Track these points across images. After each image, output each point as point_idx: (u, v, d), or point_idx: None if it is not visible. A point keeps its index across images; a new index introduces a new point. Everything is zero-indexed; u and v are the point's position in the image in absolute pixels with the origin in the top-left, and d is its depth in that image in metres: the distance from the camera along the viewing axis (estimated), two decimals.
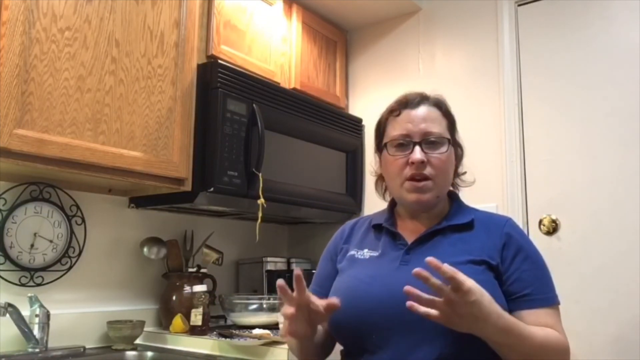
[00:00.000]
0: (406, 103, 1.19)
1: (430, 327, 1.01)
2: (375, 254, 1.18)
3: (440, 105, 1.21)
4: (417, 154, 1.13)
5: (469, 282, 0.92)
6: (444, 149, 1.15)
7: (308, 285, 1.29)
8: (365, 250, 1.20)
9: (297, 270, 0.98)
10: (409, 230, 1.19)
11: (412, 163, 1.13)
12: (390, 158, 1.18)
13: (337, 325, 1.14)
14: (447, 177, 1.19)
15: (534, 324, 1.05)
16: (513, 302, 1.08)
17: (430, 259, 0.92)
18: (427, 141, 1.15)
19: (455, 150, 1.23)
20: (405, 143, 1.16)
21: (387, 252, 1.17)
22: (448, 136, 1.18)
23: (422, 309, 0.92)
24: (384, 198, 1.31)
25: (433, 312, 0.93)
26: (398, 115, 1.19)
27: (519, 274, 1.10)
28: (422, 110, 1.18)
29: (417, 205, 1.16)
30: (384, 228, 1.21)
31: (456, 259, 1.09)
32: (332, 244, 1.31)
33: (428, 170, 1.13)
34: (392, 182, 1.20)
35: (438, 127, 1.17)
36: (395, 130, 1.18)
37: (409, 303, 0.92)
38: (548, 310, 1.08)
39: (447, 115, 1.21)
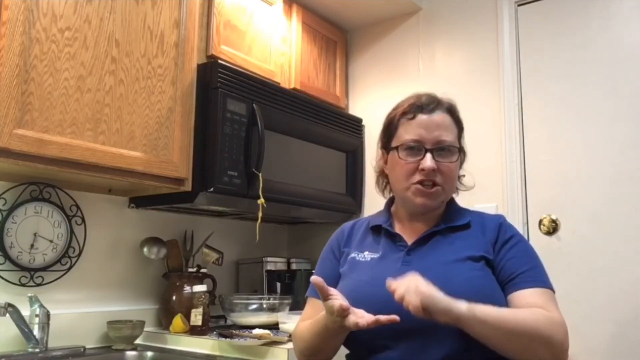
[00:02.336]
0: (421, 107, 1.19)
1: (437, 327, 1.01)
2: (375, 255, 1.19)
3: (453, 112, 1.21)
4: (429, 161, 1.14)
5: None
6: (454, 157, 1.17)
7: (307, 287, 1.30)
8: (366, 253, 1.21)
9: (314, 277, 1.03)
10: (408, 231, 1.20)
11: (423, 170, 1.14)
12: (401, 161, 1.18)
13: None
14: (454, 184, 1.21)
15: (524, 304, 1.06)
16: (504, 289, 1.10)
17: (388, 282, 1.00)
18: (439, 149, 1.15)
19: (460, 155, 1.23)
20: (417, 149, 1.16)
21: (388, 254, 1.17)
22: (458, 145, 1.19)
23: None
24: (383, 194, 1.32)
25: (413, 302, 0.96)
26: (412, 118, 1.18)
27: (505, 261, 1.12)
28: (437, 116, 1.18)
29: (423, 208, 1.18)
30: (383, 229, 1.22)
31: (455, 256, 1.12)
32: (333, 243, 1.31)
33: (438, 178, 1.15)
34: (399, 185, 1.20)
35: (450, 135, 1.18)
36: (408, 134, 1.18)
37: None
38: (538, 290, 1.08)
39: (458, 122, 1.22)
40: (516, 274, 1.09)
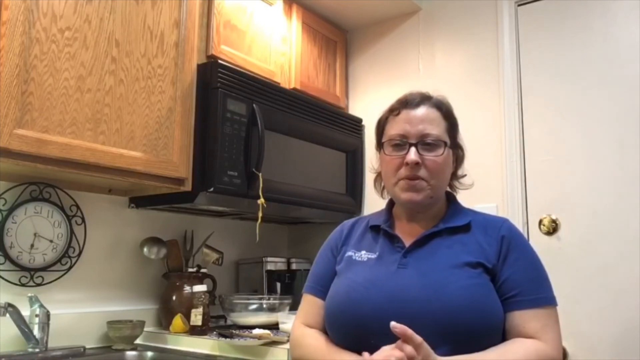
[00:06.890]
0: (406, 102, 1.19)
1: (430, 332, 1.01)
2: (372, 255, 1.18)
3: (441, 107, 1.19)
4: (412, 155, 1.13)
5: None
6: (439, 151, 1.15)
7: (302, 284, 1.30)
8: (363, 252, 1.19)
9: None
10: (407, 233, 1.19)
11: (407, 164, 1.13)
12: (387, 157, 1.18)
13: (336, 329, 1.14)
14: (442, 179, 1.18)
15: (521, 327, 1.05)
16: (504, 303, 1.08)
17: (393, 324, 0.96)
18: (424, 143, 1.14)
19: (456, 153, 1.22)
20: (402, 143, 1.15)
21: (385, 255, 1.16)
22: (445, 139, 1.17)
23: None
24: (382, 196, 1.31)
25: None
26: (397, 114, 1.18)
27: (508, 274, 1.10)
28: (421, 111, 1.17)
29: (410, 204, 1.16)
30: (382, 229, 1.21)
31: (453, 262, 1.10)
32: (332, 241, 1.30)
33: (422, 172, 1.13)
34: (388, 181, 1.20)
35: (436, 129, 1.16)
36: (393, 129, 1.18)
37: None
38: (538, 311, 1.07)
39: (448, 117, 1.20)
40: (516, 291, 1.07)
